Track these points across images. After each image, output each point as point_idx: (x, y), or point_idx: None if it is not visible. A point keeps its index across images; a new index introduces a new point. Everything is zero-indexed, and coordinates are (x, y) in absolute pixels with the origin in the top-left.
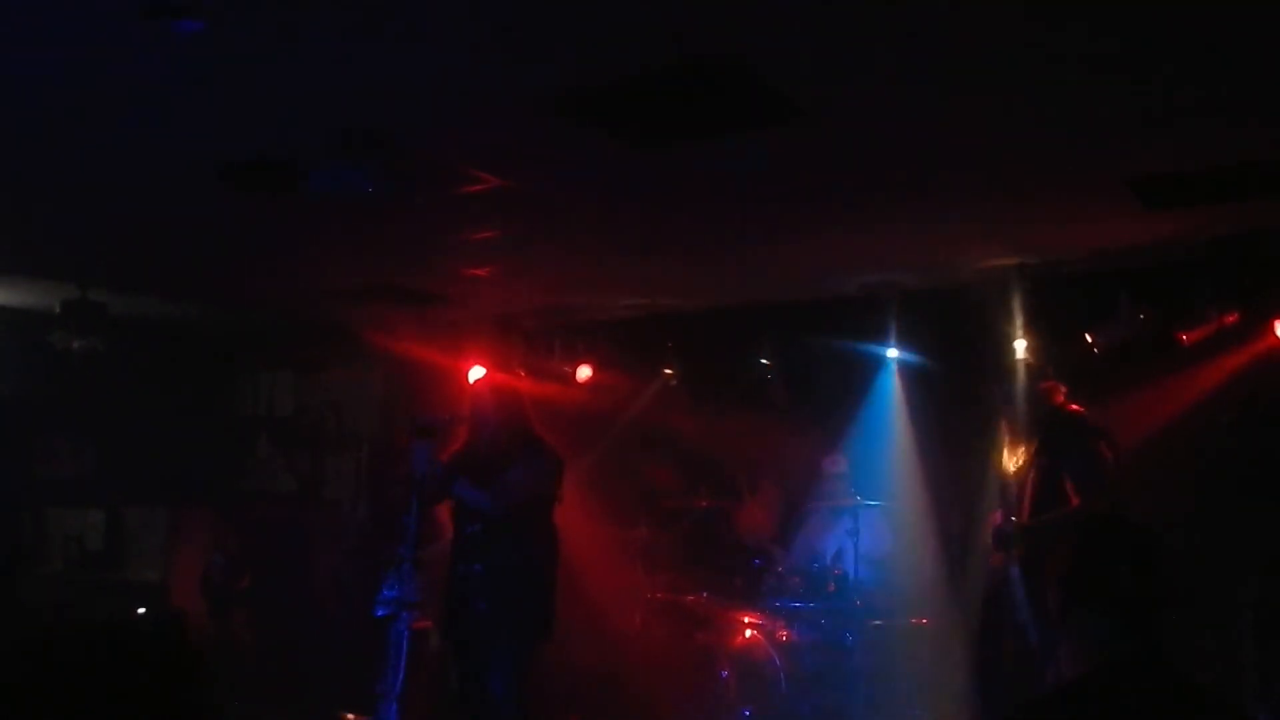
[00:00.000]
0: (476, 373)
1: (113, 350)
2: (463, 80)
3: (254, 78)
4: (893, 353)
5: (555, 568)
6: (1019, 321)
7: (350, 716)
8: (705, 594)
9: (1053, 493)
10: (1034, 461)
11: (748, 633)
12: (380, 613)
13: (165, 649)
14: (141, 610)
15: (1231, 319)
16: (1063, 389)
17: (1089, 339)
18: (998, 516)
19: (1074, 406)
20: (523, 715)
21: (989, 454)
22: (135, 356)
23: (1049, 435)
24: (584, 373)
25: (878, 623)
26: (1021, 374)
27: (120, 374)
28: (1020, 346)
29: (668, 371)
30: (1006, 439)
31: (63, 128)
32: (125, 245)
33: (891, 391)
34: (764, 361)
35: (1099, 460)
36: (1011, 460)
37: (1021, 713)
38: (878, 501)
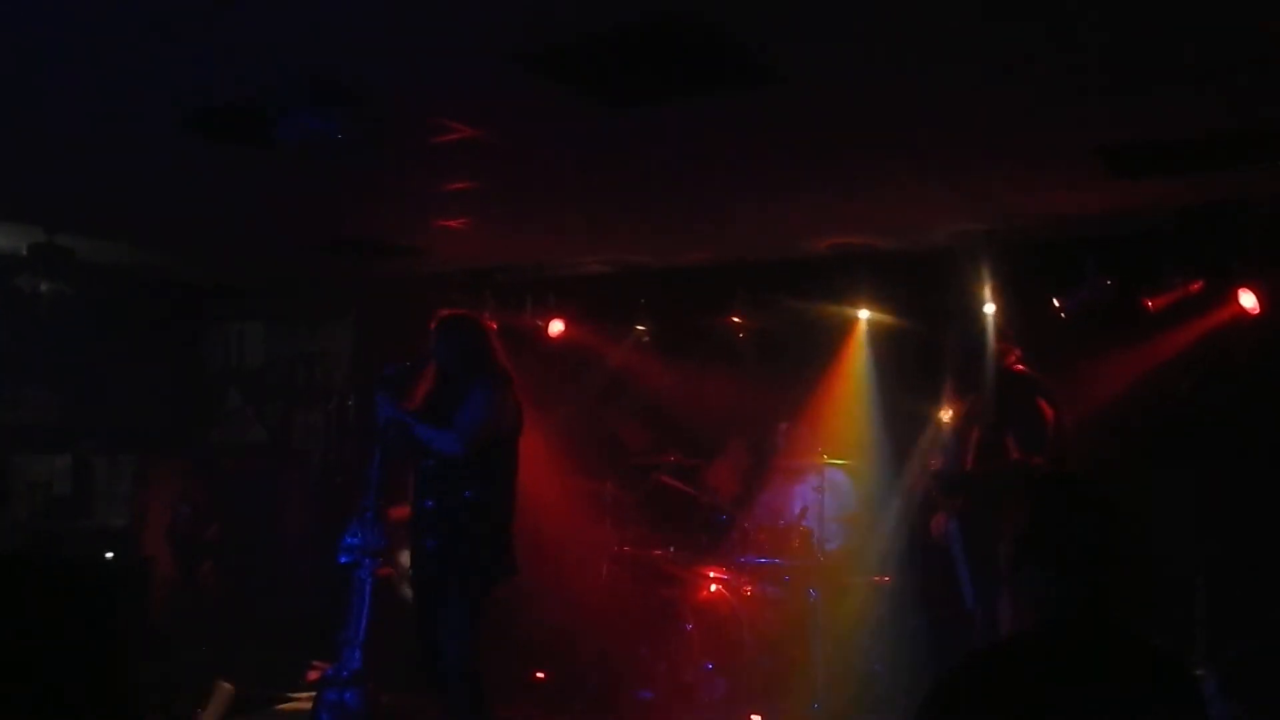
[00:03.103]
0: None
1: (81, 296)
2: (433, 31)
3: (223, 24)
4: (863, 314)
5: (510, 505)
6: (988, 286)
7: (317, 664)
8: (671, 549)
9: (996, 448)
10: (980, 418)
11: (712, 587)
12: (343, 560)
13: (67, 582)
14: (109, 555)
15: (1196, 287)
16: (1016, 351)
17: (1056, 304)
18: (937, 462)
19: (1020, 367)
20: (472, 679)
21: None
22: (104, 303)
23: (996, 393)
24: (556, 327)
25: (840, 580)
26: (991, 336)
27: (88, 320)
28: (989, 310)
29: (640, 328)
30: (950, 394)
31: (29, 72)
32: (93, 190)
33: (860, 352)
34: (735, 320)
35: (1041, 418)
36: (952, 414)
37: (966, 668)
38: (843, 460)
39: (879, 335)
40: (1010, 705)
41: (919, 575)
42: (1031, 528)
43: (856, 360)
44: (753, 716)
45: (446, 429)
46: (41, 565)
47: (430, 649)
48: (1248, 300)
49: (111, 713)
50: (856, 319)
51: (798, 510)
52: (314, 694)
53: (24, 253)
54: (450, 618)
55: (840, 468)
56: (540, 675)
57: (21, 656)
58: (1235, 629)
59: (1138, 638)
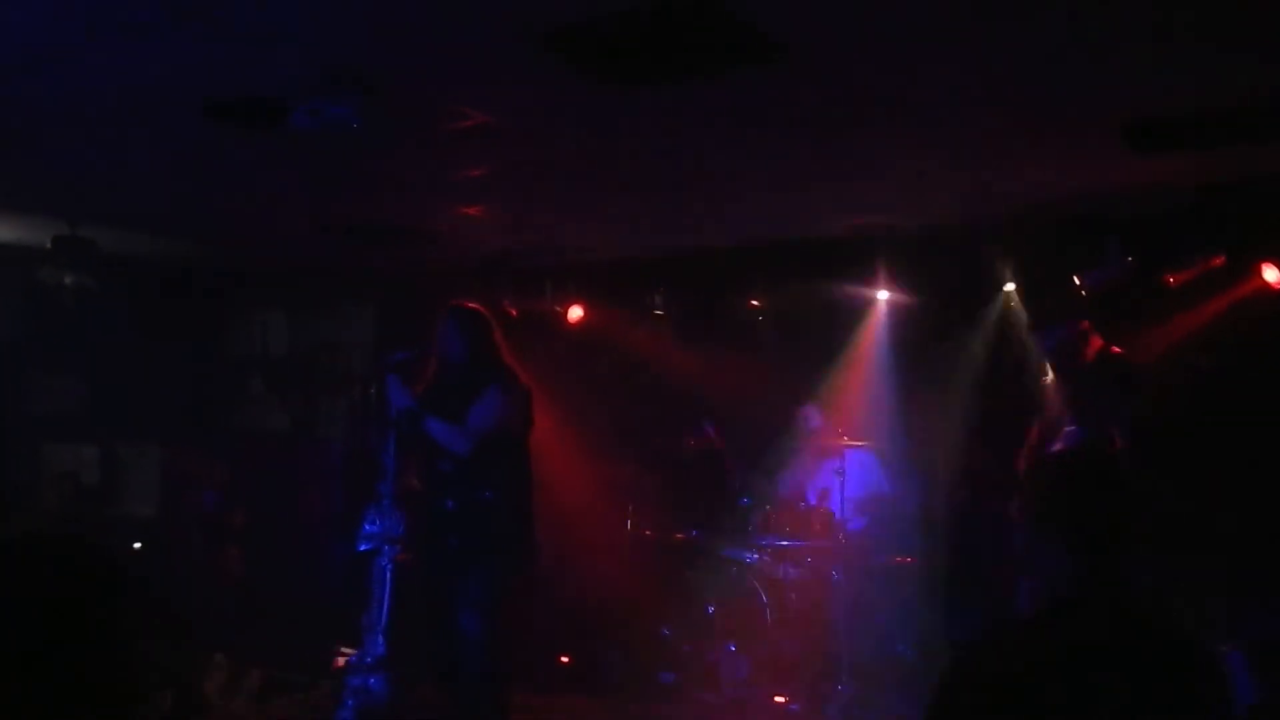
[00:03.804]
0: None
1: (105, 287)
2: (447, 15)
3: (241, 13)
4: (882, 294)
5: (529, 502)
6: (1009, 264)
7: (343, 649)
8: (694, 532)
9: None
10: (1073, 402)
11: (735, 570)
12: (363, 547)
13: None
14: (137, 545)
15: (1218, 263)
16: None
17: (1077, 282)
18: (1034, 434)
19: (1116, 349)
20: (495, 655)
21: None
22: (128, 293)
23: (1090, 377)
24: (575, 313)
25: (863, 561)
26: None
27: (113, 311)
28: (1010, 289)
29: (658, 313)
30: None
31: (49, 64)
32: (114, 181)
33: (880, 333)
34: (754, 303)
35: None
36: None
37: (981, 644)
38: (865, 442)
39: (898, 315)
40: (1025, 685)
41: (943, 556)
42: (1044, 506)
43: (876, 341)
44: (776, 698)
45: (457, 426)
46: (47, 546)
47: (451, 642)
48: (1271, 275)
49: (114, 695)
50: (876, 300)
51: (819, 492)
52: (339, 679)
53: (48, 245)
54: (472, 614)
55: (861, 449)
56: (564, 659)
57: (24, 636)
58: (1261, 605)
59: (1151, 615)
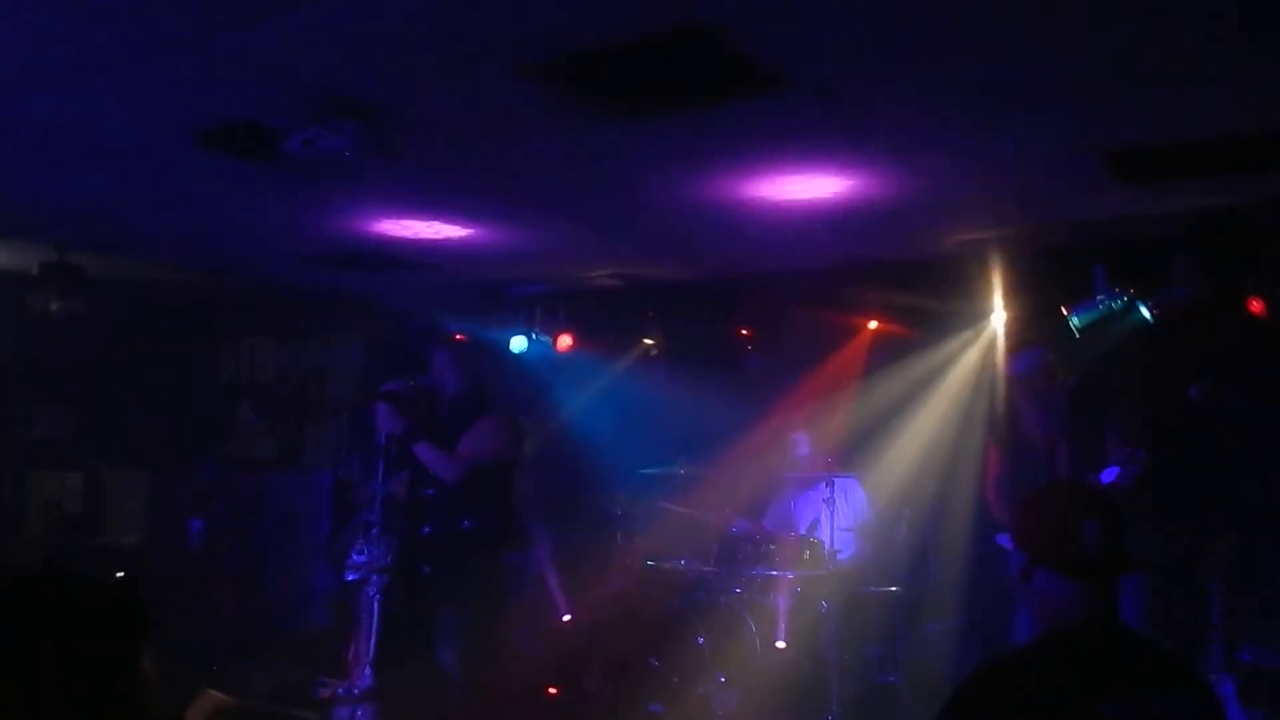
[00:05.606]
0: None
1: (93, 313)
2: (441, 45)
3: (233, 42)
4: (871, 323)
5: (506, 535)
6: (997, 294)
7: (328, 680)
8: (682, 561)
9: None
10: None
11: (723, 599)
12: (350, 577)
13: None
14: (120, 574)
15: (1205, 294)
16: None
17: (1065, 312)
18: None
19: (1062, 376)
20: (478, 687)
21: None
22: (116, 320)
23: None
24: (564, 341)
25: (852, 590)
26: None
27: (100, 337)
28: (998, 319)
29: (648, 341)
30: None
31: (39, 90)
32: (103, 208)
33: (869, 360)
34: (743, 331)
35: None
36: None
37: (980, 675)
38: (854, 472)
39: (887, 344)
40: (1028, 712)
41: (931, 584)
42: (1045, 534)
43: (865, 369)
44: None
45: (447, 453)
46: (58, 585)
47: (434, 674)
48: (1258, 308)
49: None
50: (865, 328)
51: (809, 521)
52: (325, 711)
53: (35, 271)
54: (449, 647)
55: (850, 477)
56: (552, 690)
57: (37, 675)
58: (1253, 635)
59: (1148, 641)
